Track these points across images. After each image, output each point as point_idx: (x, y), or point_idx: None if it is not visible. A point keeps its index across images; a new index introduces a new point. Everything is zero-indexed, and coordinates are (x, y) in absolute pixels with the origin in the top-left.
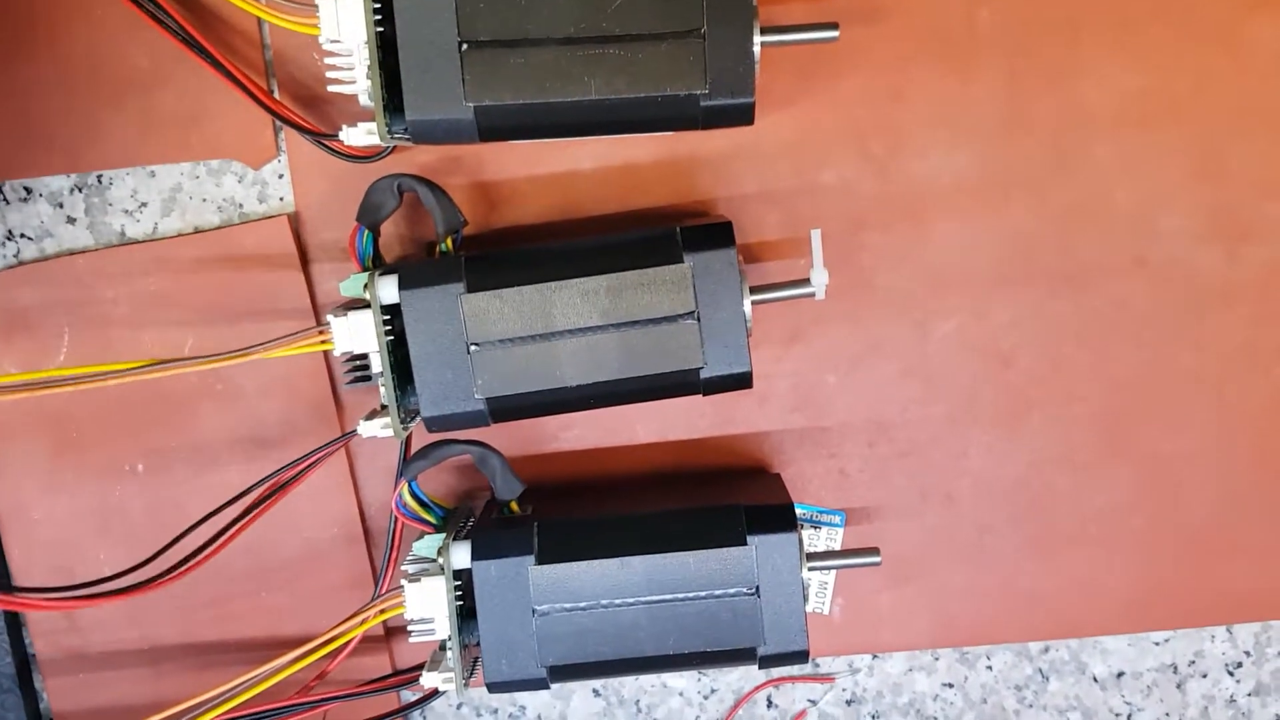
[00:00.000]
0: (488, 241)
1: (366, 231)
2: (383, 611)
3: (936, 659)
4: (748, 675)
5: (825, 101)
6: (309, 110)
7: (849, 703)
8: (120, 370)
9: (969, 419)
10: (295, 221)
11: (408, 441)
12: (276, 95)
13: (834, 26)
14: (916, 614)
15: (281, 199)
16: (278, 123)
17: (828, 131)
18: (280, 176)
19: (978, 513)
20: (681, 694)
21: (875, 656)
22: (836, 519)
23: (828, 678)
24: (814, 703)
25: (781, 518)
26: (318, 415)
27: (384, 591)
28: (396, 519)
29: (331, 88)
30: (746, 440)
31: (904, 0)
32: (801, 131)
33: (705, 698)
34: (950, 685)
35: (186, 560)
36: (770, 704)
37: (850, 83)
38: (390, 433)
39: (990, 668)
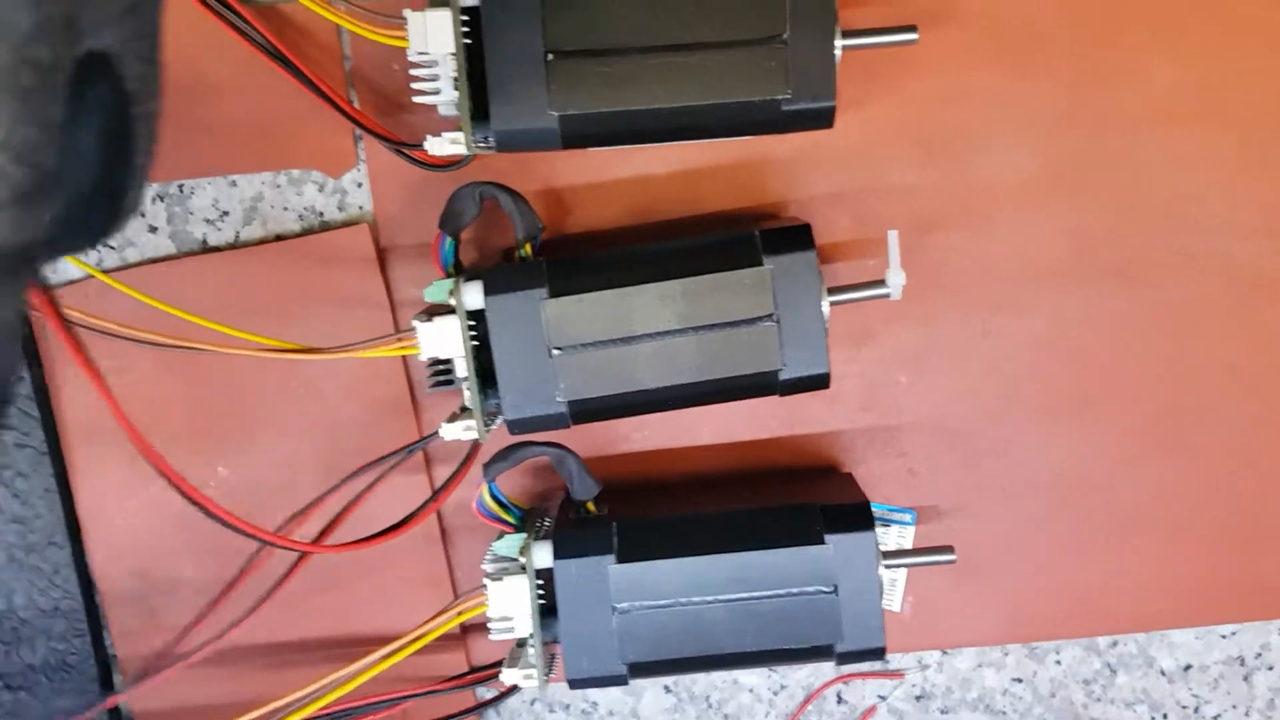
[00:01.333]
0: (562, 246)
1: (449, 239)
2: (464, 611)
3: (1005, 654)
4: (817, 671)
5: (892, 103)
6: (387, 120)
7: (918, 698)
8: (242, 341)
9: (1037, 415)
10: (374, 229)
11: (476, 446)
12: (357, 105)
13: (913, 29)
14: (986, 610)
15: (361, 207)
16: (357, 132)
17: (895, 132)
18: (359, 185)
19: (1046, 509)
20: (751, 690)
21: (945, 652)
22: (907, 517)
23: (897, 673)
24: (883, 698)
25: (859, 517)
26: (396, 417)
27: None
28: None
29: (416, 99)
30: (816, 440)
31: (967, 3)
32: (869, 133)
33: (775, 694)
34: (1019, 680)
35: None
36: (840, 700)
37: (916, 84)
38: (472, 435)
39: (1059, 662)
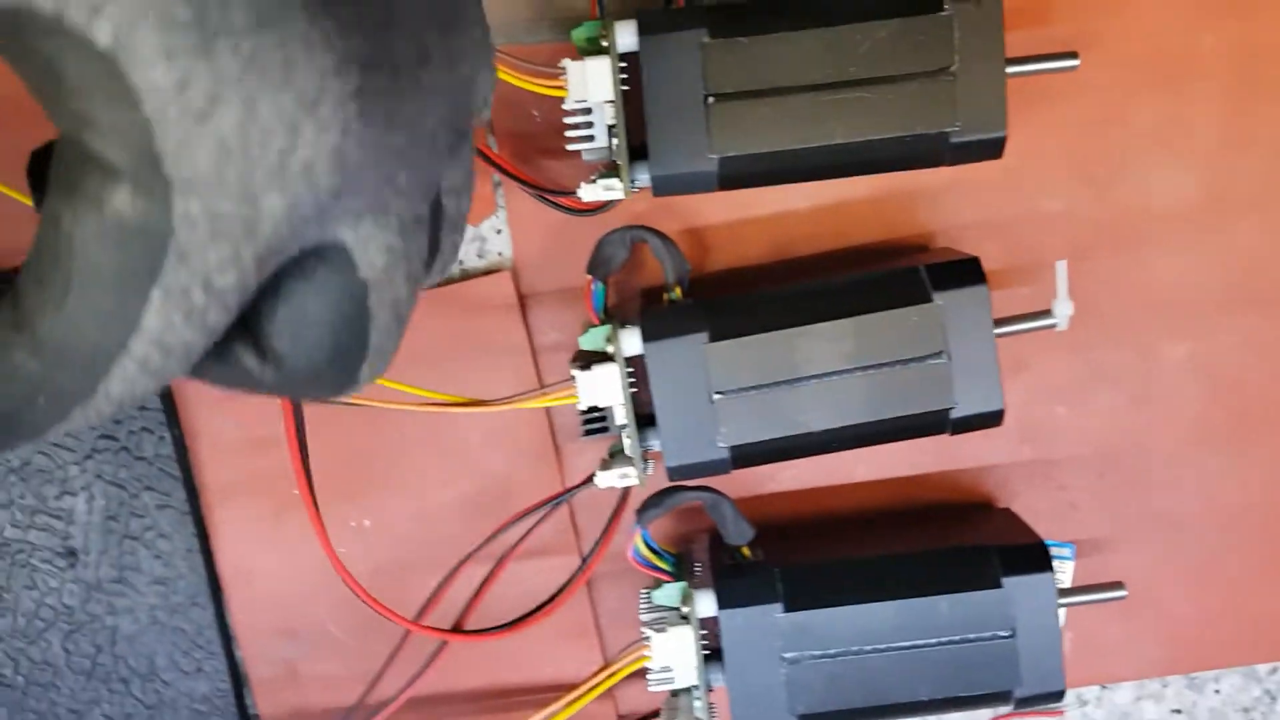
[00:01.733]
0: (706, 286)
1: (599, 284)
2: (627, 666)
3: (1165, 686)
4: (973, 713)
5: (1043, 129)
6: (525, 166)
7: None
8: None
9: (1198, 444)
10: (514, 275)
11: (628, 492)
12: (496, 151)
13: (1074, 55)
14: (1145, 643)
15: (500, 254)
16: (496, 178)
17: (1047, 159)
18: (498, 232)
19: (1207, 538)
20: None
21: (1104, 687)
22: (1066, 551)
23: (1057, 711)
24: None
25: (1035, 558)
26: (539, 466)
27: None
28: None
29: (571, 146)
30: (971, 475)
31: (1120, 26)
32: (1020, 160)
33: None
34: (1179, 711)
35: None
36: None
37: (1068, 109)
38: (630, 482)
39: (1218, 691)
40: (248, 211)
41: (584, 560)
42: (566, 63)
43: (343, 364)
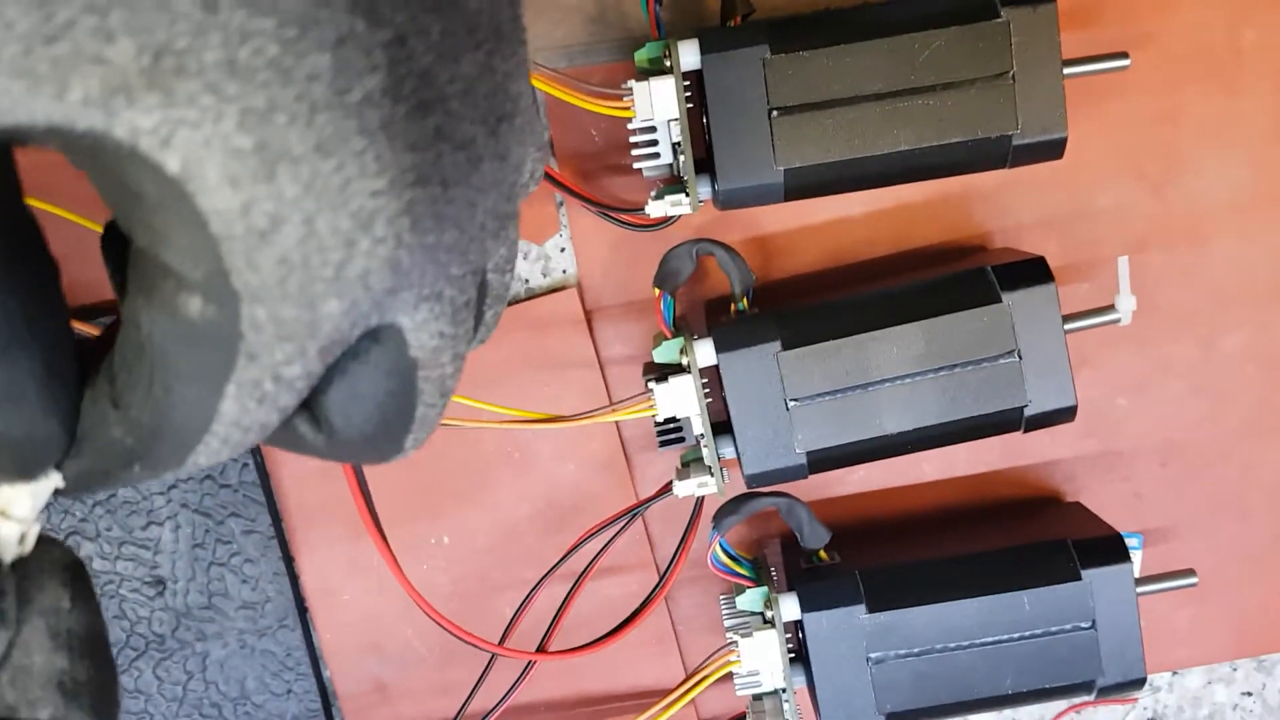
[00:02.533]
0: (769, 295)
1: (668, 297)
2: (715, 672)
3: (1234, 669)
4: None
5: (1096, 127)
6: (587, 183)
7: None
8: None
9: (1260, 431)
10: (580, 291)
11: (703, 499)
12: (558, 170)
13: (1125, 55)
14: (1214, 628)
15: (565, 271)
16: (558, 197)
17: (1101, 156)
18: (562, 250)
19: (1271, 523)
20: None
21: (1175, 673)
22: (1134, 541)
23: (1129, 698)
24: None
25: (1113, 549)
26: (611, 477)
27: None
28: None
29: (637, 164)
30: (1037, 470)
31: (1168, 25)
32: (1074, 157)
33: None
34: (1249, 694)
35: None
36: None
37: (1120, 107)
38: (708, 491)
39: None
40: (309, 315)
41: (663, 574)
42: (632, 84)
43: (389, 435)
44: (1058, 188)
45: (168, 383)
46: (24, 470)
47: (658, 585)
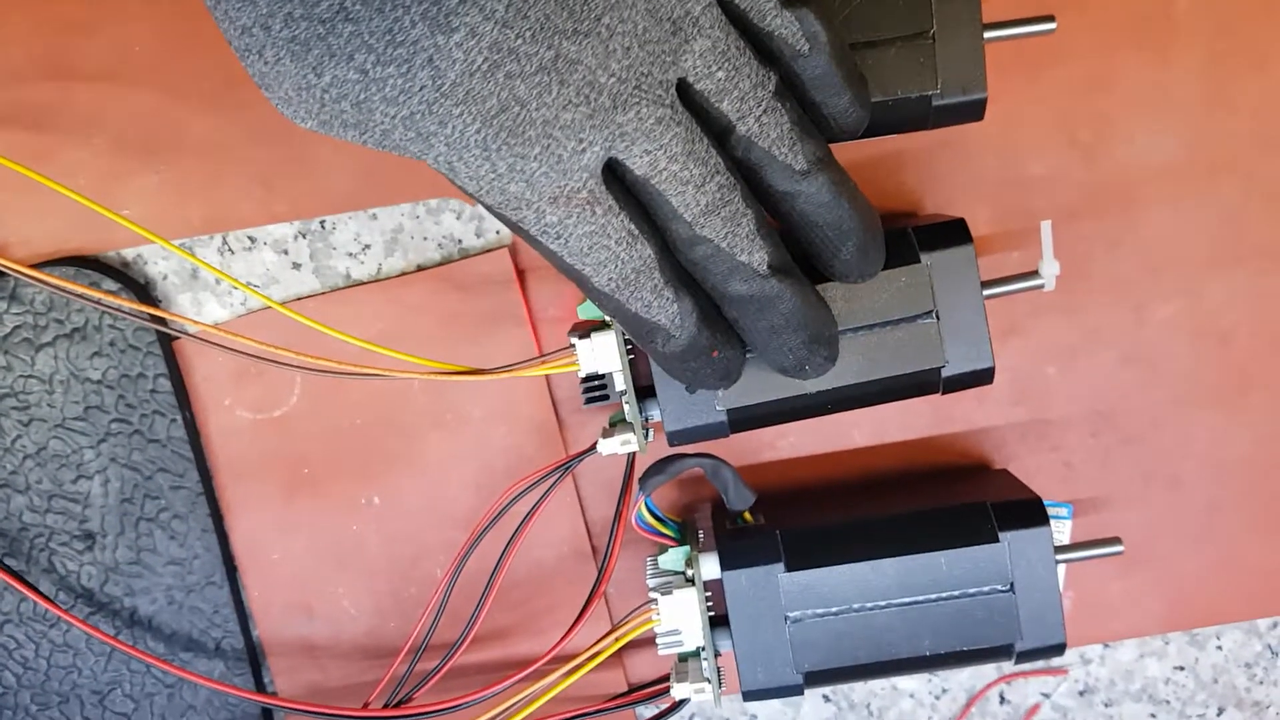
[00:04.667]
0: None
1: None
2: (633, 629)
3: (1166, 643)
4: (979, 673)
5: (1027, 94)
6: None
7: (1081, 693)
8: (413, 365)
9: (1191, 401)
10: (513, 250)
11: (633, 460)
12: None
13: (1051, 19)
14: (1146, 600)
15: (497, 232)
16: None
17: (1032, 123)
18: None
19: (1204, 494)
20: (913, 695)
21: (1106, 645)
22: (1064, 511)
23: (1060, 670)
24: (1047, 696)
25: (1032, 512)
26: (541, 437)
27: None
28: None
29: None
30: (966, 438)
31: None
32: (1005, 124)
33: (937, 698)
34: (1181, 668)
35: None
36: (1003, 700)
37: (1051, 73)
38: (631, 449)
39: (1220, 647)
40: None
41: (603, 561)
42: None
43: None
44: (989, 154)
45: None
46: None
47: (605, 559)
